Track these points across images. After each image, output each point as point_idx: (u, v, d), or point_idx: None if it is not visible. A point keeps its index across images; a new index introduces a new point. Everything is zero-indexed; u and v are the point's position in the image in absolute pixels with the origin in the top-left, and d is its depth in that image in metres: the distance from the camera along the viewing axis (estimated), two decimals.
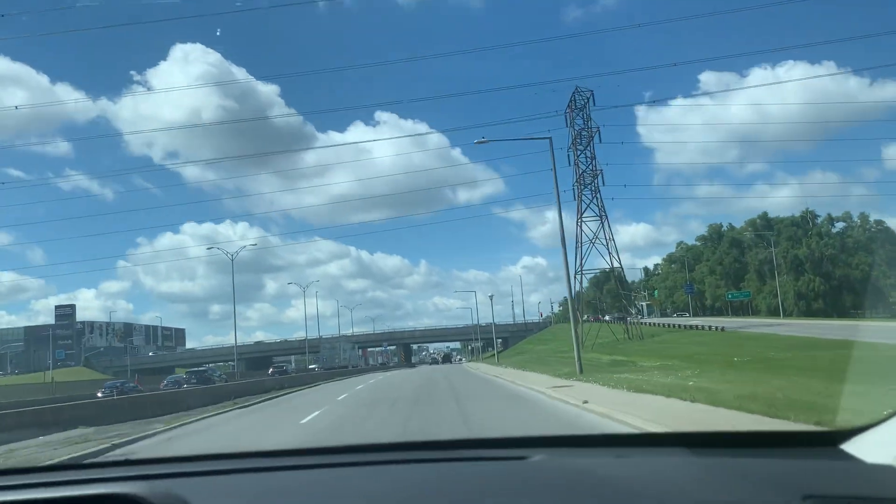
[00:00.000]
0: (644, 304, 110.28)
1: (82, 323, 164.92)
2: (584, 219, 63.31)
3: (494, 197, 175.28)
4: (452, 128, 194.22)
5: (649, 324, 73.96)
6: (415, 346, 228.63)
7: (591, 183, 62.23)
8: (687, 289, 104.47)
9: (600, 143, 61.74)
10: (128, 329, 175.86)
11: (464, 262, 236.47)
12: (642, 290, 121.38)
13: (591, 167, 62.28)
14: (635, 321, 67.83)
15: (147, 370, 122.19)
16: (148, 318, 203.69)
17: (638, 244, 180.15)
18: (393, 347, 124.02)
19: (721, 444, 2.10)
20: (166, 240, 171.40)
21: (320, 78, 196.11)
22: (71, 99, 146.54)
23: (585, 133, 62.75)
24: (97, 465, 2.35)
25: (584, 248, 63.40)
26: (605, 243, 63.22)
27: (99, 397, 32.05)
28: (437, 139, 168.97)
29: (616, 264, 65.35)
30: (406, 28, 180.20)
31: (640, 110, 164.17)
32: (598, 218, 63.03)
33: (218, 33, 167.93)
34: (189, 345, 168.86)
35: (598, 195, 62.47)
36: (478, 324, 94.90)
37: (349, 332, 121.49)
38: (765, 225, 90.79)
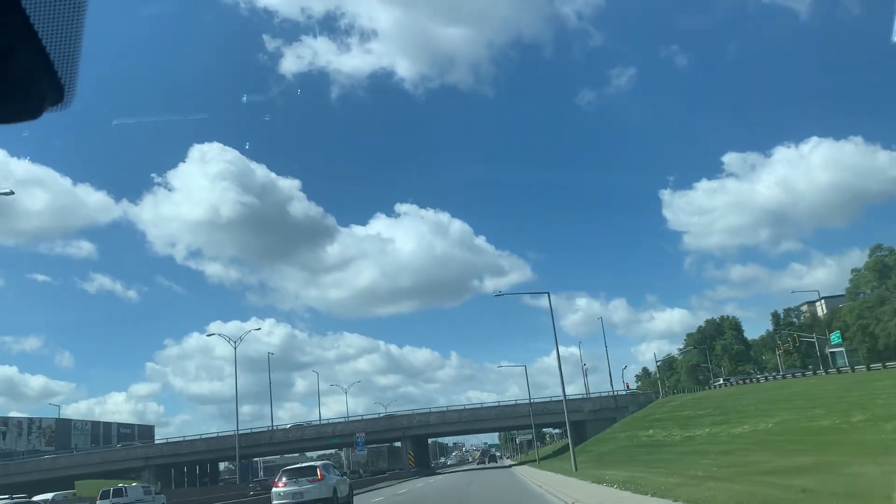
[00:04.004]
0: (831, 351, 62.71)
1: None
2: None
3: (523, 285, 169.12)
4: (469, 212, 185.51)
5: None
6: (450, 443, 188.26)
7: None
8: None
9: None
10: (62, 427, 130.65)
11: (495, 354, 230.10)
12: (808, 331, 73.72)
13: None
14: None
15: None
16: (178, 420, 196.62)
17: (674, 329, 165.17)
18: (386, 445, 77.58)
19: None
20: (193, 340, 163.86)
21: (340, 172, 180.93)
22: (94, 199, 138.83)
23: None
24: None
25: None
26: None
27: None
28: (460, 227, 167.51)
29: None
30: (419, 117, 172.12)
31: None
32: None
33: (247, 147, 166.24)
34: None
35: None
36: (564, 395, 48.84)
37: (340, 419, 76.14)
38: None
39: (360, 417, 75.87)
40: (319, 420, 79.80)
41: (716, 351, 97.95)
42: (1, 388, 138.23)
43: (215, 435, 74.54)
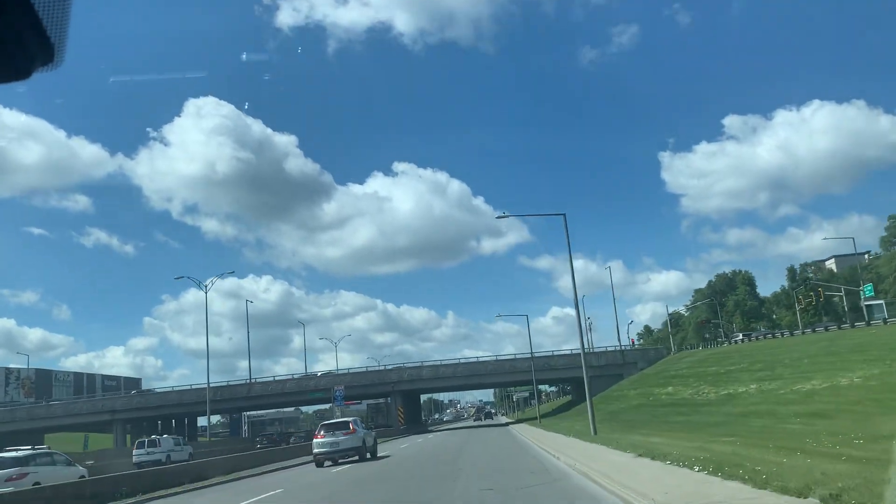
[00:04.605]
0: (868, 303, 56.71)
1: None
2: None
3: (520, 246, 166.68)
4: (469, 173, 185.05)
5: None
6: (446, 400, 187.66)
7: None
8: None
9: None
10: (42, 378, 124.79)
11: (492, 313, 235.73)
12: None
13: None
14: None
15: None
16: (176, 375, 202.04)
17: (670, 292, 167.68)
18: (383, 401, 72.27)
19: None
20: (190, 296, 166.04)
21: (338, 129, 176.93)
22: (89, 152, 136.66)
23: None
24: None
25: None
26: None
27: None
28: (458, 187, 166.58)
29: None
30: (418, 74, 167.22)
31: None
32: None
33: (244, 104, 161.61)
34: None
35: None
36: (582, 342, 43.17)
37: (324, 372, 70.30)
38: None
39: (346, 371, 70.29)
40: (305, 372, 74.18)
41: (727, 307, 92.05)
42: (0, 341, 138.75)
43: (189, 387, 68.96)
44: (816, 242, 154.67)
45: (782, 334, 56.04)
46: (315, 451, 24.57)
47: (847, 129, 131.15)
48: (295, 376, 67.49)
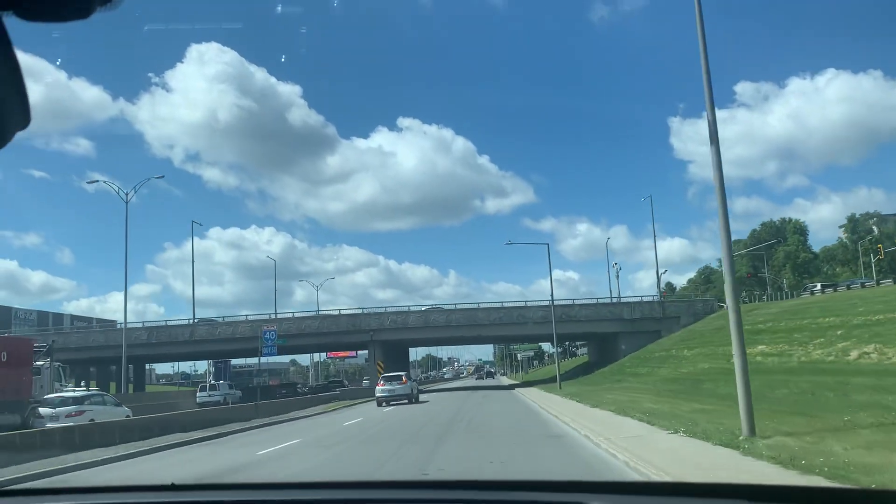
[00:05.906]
0: None
1: None
2: None
3: (524, 207, 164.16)
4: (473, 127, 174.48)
5: None
6: (446, 357, 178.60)
7: None
8: None
9: None
10: (1, 314, 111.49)
11: (493, 274, 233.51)
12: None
13: None
14: None
15: None
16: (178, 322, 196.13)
17: (673, 259, 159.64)
18: (363, 353, 59.11)
19: (789, 499, 1.99)
20: (194, 244, 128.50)
21: (342, 81, 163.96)
22: (90, 95, 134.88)
23: None
24: None
25: None
26: None
27: None
28: (463, 145, 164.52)
29: None
30: (425, 27, 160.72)
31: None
32: None
33: (283, 59, 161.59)
34: None
35: None
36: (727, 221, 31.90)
37: (287, 315, 56.56)
38: None
39: (313, 313, 56.75)
40: (275, 313, 60.72)
41: (776, 259, 78.23)
42: (2, 282, 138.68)
43: (118, 326, 55.71)
44: (823, 213, 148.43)
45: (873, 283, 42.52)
46: (377, 395, 32.88)
47: (861, 100, 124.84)
48: (249, 317, 53.89)
